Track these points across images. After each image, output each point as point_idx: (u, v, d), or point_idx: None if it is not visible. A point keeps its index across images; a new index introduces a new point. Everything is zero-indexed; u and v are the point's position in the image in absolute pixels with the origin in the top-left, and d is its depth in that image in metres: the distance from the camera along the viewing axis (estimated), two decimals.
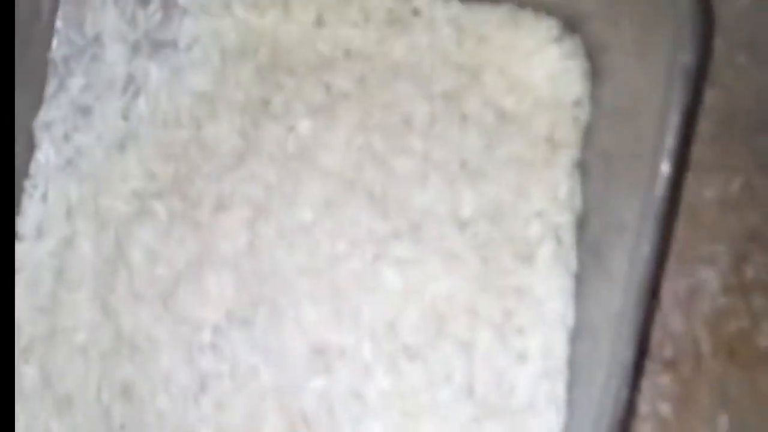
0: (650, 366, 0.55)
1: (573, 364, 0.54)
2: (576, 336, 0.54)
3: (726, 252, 0.56)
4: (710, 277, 0.56)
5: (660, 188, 0.47)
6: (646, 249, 0.47)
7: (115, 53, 0.61)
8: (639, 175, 0.51)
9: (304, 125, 0.58)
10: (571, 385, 0.53)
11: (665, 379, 0.56)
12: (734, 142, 0.57)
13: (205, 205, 0.59)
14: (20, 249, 0.61)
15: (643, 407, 0.55)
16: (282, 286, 0.56)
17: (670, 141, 0.46)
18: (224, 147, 0.59)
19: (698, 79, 0.46)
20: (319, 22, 0.60)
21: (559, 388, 0.53)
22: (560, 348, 0.54)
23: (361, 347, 0.55)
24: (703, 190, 0.57)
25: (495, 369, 0.54)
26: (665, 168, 0.47)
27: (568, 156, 0.57)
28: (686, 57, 0.46)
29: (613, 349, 0.48)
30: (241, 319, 0.57)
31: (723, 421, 0.55)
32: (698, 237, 0.56)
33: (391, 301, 0.55)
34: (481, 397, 0.54)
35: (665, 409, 0.56)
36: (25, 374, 0.60)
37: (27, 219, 0.61)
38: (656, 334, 0.55)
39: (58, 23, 0.63)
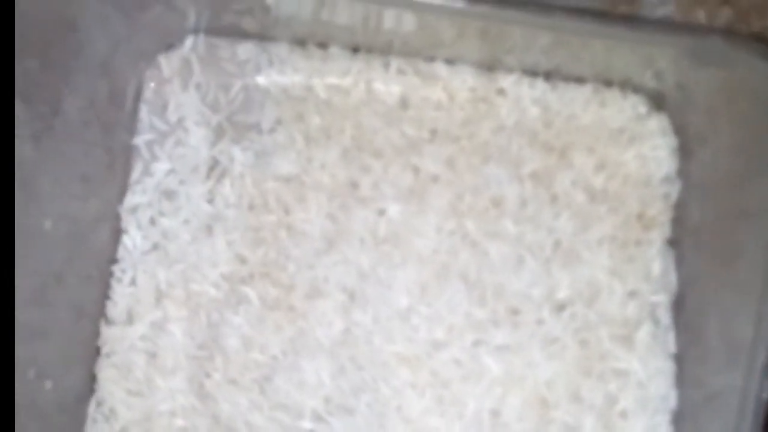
0: None
1: None
2: (678, 419, 0.55)
3: None
4: None
5: None
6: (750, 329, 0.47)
7: (198, 137, 0.62)
8: (736, 253, 0.51)
9: (394, 209, 0.59)
10: None
11: None
12: None
13: (299, 291, 0.59)
14: (111, 333, 0.62)
15: None
16: (382, 373, 0.57)
17: None
18: (314, 231, 0.59)
19: None
20: (404, 103, 0.61)
21: None
22: None
23: None
24: None
25: None
26: None
27: (660, 234, 0.57)
28: None
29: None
30: (341, 406, 0.57)
31: None
32: None
33: (493, 389, 0.56)
34: None
35: None
36: None
37: (117, 304, 0.62)
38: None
39: (142, 109, 0.62)
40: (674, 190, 0.58)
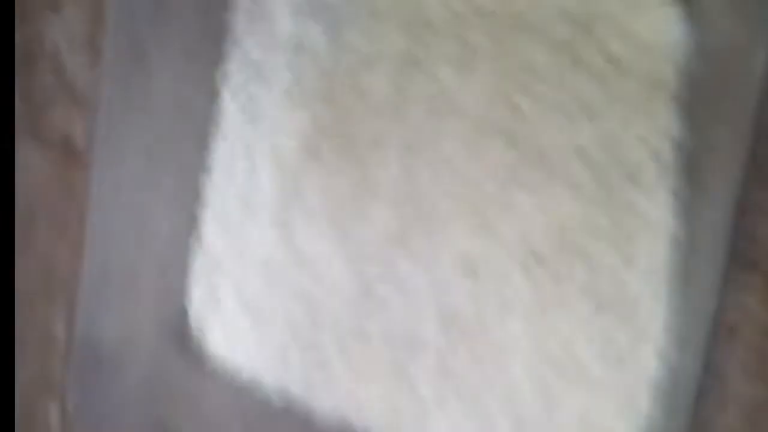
0: (738, 269, 0.67)
1: (674, 267, 0.66)
2: (677, 244, 0.66)
3: None
4: None
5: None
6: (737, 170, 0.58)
7: (281, 14, 0.74)
8: (731, 107, 0.62)
9: (445, 72, 0.70)
10: (673, 284, 0.66)
11: (752, 277, 0.68)
12: None
13: (363, 142, 0.71)
14: (210, 182, 0.75)
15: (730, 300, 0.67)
16: (431, 207, 0.69)
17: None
18: (377, 94, 0.71)
19: None
20: None
21: (663, 286, 0.66)
22: (663, 252, 0.66)
23: (499, 255, 0.68)
24: None
25: (609, 270, 0.67)
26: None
27: (668, 91, 0.68)
28: None
29: (711, 255, 0.61)
30: (398, 235, 0.70)
31: None
32: None
33: (522, 218, 0.68)
34: (599, 293, 0.67)
35: (751, 301, 0.68)
36: (222, 292, 0.74)
37: (215, 156, 0.75)
38: (742, 242, 0.67)
39: None
40: (683, 53, 0.68)
